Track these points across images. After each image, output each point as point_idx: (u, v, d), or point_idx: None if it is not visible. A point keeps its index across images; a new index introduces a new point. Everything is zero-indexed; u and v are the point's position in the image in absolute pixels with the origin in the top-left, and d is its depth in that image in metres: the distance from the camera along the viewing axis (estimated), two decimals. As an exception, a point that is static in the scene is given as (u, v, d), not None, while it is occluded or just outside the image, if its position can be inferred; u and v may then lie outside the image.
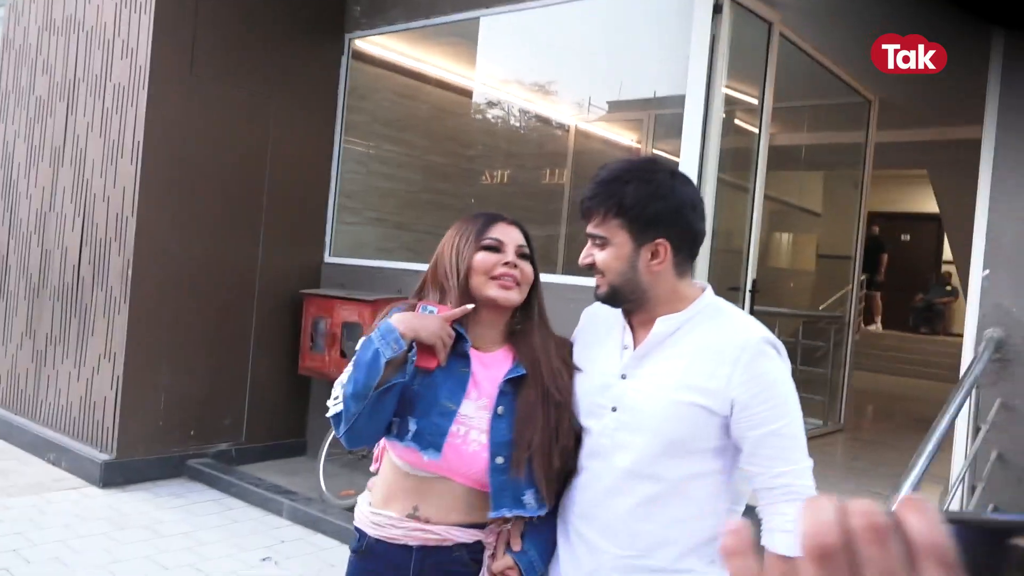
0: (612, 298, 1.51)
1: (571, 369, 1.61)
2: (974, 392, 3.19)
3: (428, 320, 1.49)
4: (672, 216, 1.46)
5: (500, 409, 1.53)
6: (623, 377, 1.50)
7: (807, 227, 8.55)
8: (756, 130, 4.87)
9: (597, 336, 1.61)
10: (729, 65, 4.28)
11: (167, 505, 4.71)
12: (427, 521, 1.53)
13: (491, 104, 6.68)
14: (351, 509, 4.61)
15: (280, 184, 5.59)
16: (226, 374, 5.43)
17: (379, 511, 1.57)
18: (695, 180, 4.19)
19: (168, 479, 5.12)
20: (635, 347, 1.51)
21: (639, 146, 6.86)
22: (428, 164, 6.52)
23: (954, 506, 3.13)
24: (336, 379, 1.58)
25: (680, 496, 1.46)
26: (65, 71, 5.65)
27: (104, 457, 4.95)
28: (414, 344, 1.50)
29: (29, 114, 6.02)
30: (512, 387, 1.55)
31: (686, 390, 1.43)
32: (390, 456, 1.59)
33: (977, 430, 3.22)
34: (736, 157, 4.94)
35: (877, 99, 6.20)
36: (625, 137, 7.23)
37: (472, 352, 1.57)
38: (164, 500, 4.79)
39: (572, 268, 4.90)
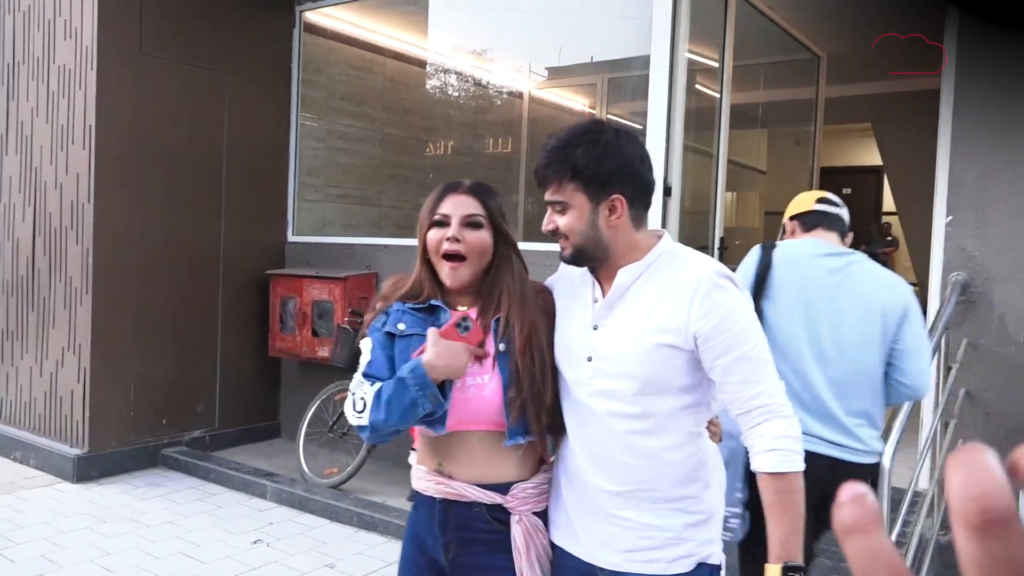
0: (577, 259, 1.58)
1: (543, 320, 1.65)
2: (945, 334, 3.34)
3: (458, 356, 1.52)
4: (623, 172, 1.52)
5: (502, 347, 1.60)
6: (595, 328, 1.58)
7: (752, 185, 8.71)
8: (711, 92, 4.93)
9: (570, 293, 1.68)
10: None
11: (147, 495, 4.63)
12: (450, 477, 1.62)
13: (445, 73, 6.61)
14: (336, 487, 4.62)
15: (238, 163, 5.46)
16: (195, 360, 5.33)
17: (417, 466, 1.69)
18: (662, 144, 4.24)
19: (144, 470, 5.04)
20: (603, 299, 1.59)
21: (593, 111, 6.89)
22: (387, 137, 6.44)
23: (925, 440, 3.27)
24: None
25: (665, 430, 1.53)
26: (2, 55, 5.40)
27: (76, 452, 4.83)
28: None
29: (-35, 101, 5.74)
30: (499, 327, 1.63)
31: (652, 332, 1.50)
32: None
33: (948, 370, 3.37)
34: (692, 119, 5.00)
35: (827, 55, 6.32)
36: (578, 102, 7.25)
37: (454, 313, 1.66)
38: (143, 491, 4.70)
39: (534, 235, 4.92)
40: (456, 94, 6.62)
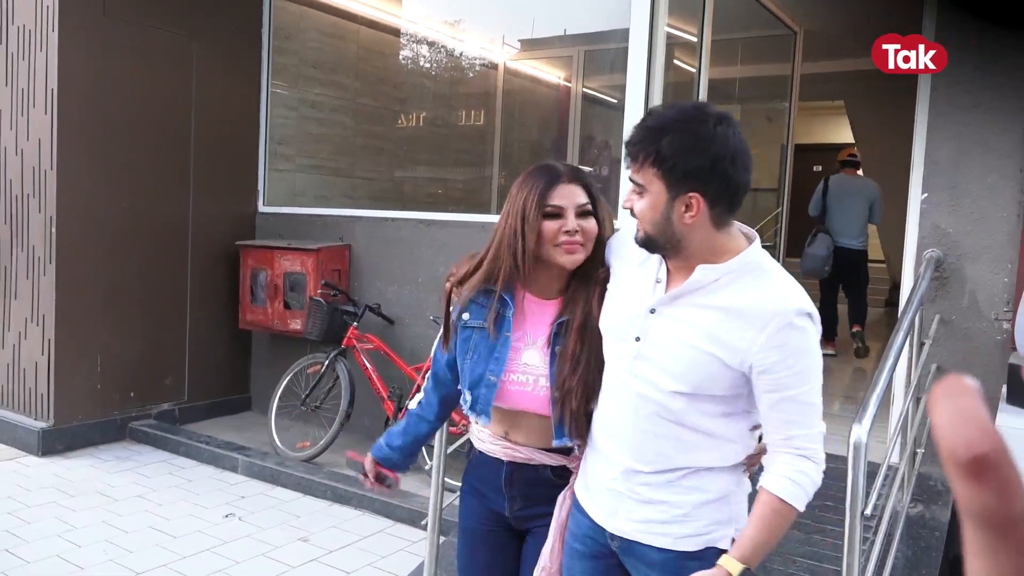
0: (647, 245, 1.51)
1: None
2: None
3: None
4: (708, 171, 1.42)
5: (557, 349, 1.67)
6: (652, 311, 1.52)
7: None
8: (688, 67, 4.90)
9: (633, 262, 1.61)
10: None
11: (115, 469, 4.55)
12: (516, 443, 1.73)
13: (419, 43, 6.50)
14: (309, 460, 4.58)
15: (207, 131, 5.33)
16: (164, 332, 5.23)
17: (482, 429, 1.80)
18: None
19: (111, 443, 4.95)
20: (668, 284, 1.53)
21: (569, 84, 6.82)
22: (359, 107, 6.33)
23: (898, 416, 3.32)
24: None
25: (700, 431, 1.50)
26: (-42, 14, 5.19)
27: (41, 425, 4.73)
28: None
29: (-82, 63, 5.51)
30: (562, 330, 1.68)
31: (710, 341, 1.44)
32: None
33: (921, 346, 3.41)
34: (669, 94, 4.97)
35: (802, 30, 6.30)
36: (554, 75, 7.18)
37: (530, 300, 1.73)
38: (111, 464, 4.63)
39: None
40: (430, 65, 6.52)
